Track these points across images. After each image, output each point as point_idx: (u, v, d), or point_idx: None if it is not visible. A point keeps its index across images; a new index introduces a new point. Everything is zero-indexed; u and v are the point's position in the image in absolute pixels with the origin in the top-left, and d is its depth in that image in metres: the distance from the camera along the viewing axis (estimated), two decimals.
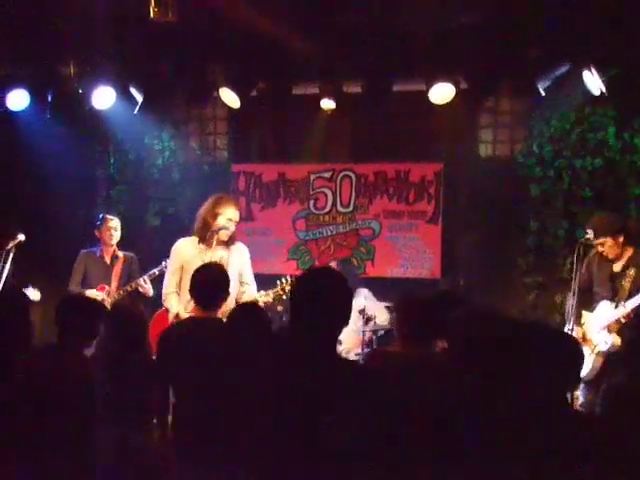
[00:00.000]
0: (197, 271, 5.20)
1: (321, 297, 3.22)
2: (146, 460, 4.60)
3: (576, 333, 6.49)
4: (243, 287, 6.67)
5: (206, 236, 6.60)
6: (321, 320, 3.18)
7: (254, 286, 6.77)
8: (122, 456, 4.56)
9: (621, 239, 6.50)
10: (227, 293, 5.23)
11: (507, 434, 2.80)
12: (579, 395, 6.37)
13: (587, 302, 6.67)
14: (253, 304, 5.64)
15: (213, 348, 4.61)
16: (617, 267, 6.56)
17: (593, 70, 7.13)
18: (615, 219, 6.81)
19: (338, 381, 3.11)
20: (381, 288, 8.44)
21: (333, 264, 8.27)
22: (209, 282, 5.05)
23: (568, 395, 3.17)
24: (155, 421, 4.94)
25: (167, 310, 6.72)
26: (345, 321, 3.28)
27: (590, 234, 6.53)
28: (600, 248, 6.54)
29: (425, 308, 4.39)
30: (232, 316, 4.74)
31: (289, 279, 6.64)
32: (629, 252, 6.53)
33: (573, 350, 3.13)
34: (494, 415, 2.83)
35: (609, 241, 6.48)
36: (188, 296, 6.42)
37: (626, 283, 6.39)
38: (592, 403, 5.85)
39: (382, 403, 3.15)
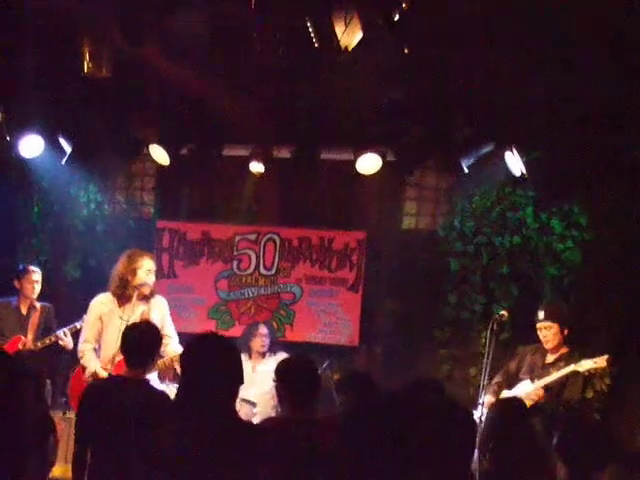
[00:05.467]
0: (129, 329, 5.15)
1: (206, 365, 3.30)
2: None
3: (488, 400, 6.60)
4: (165, 339, 6.62)
5: (125, 293, 6.57)
6: (209, 386, 3.26)
7: (176, 339, 6.76)
8: None
9: (565, 332, 6.64)
10: (156, 354, 5.20)
11: None
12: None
13: (512, 385, 6.78)
14: None
15: (132, 410, 4.57)
16: (549, 359, 6.68)
17: (515, 151, 7.38)
18: (568, 312, 7.00)
19: (233, 442, 3.17)
20: (299, 353, 8.44)
21: (263, 327, 8.27)
22: (140, 342, 4.98)
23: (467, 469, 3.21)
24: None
25: (83, 368, 6.63)
26: (235, 383, 3.36)
27: (541, 316, 6.65)
28: (544, 332, 6.64)
29: (303, 373, 4.49)
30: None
31: None
32: (565, 350, 6.65)
33: (465, 420, 3.20)
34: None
35: (555, 328, 6.61)
36: (109, 353, 6.41)
37: (553, 372, 6.51)
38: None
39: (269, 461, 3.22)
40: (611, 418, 7.60)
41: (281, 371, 4.62)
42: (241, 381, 3.40)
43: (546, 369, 6.61)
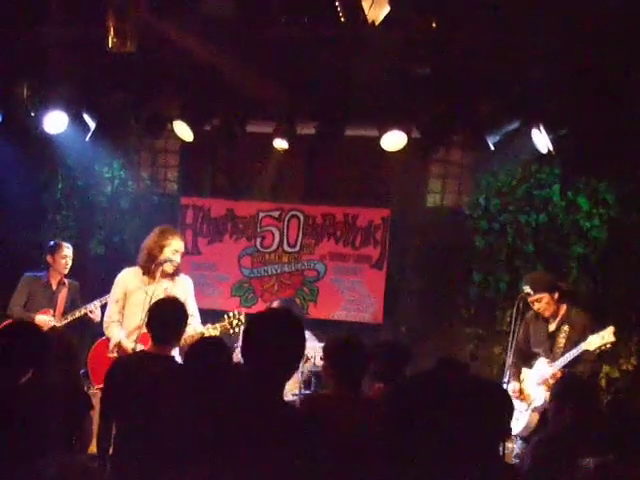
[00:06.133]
0: (156, 305, 5.18)
1: (275, 345, 3.19)
2: None
3: (513, 388, 6.58)
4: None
5: (151, 268, 6.59)
6: (272, 367, 3.17)
7: (198, 318, 6.77)
8: None
9: (556, 296, 6.60)
10: (183, 331, 5.20)
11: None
12: (515, 448, 6.43)
13: (528, 360, 6.76)
14: (215, 339, 5.58)
15: (160, 387, 4.56)
16: (552, 326, 6.65)
17: (542, 129, 7.29)
18: (550, 276, 6.95)
19: (278, 426, 3.11)
20: (323, 330, 8.43)
21: (276, 303, 8.25)
22: (167, 318, 5.00)
23: (500, 447, 3.18)
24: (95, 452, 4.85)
25: (108, 339, 6.69)
26: (296, 366, 3.29)
27: (529, 290, 6.61)
28: (537, 305, 6.61)
29: (352, 351, 4.45)
30: (193, 351, 4.67)
31: (236, 314, 6.73)
32: (563, 309, 6.63)
33: (502, 399, 3.17)
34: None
35: (546, 297, 6.56)
36: (131, 326, 6.46)
37: (561, 340, 6.50)
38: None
39: (315, 447, 3.16)
40: (638, 397, 7.55)
41: (330, 349, 4.57)
42: (297, 366, 3.31)
43: (553, 338, 6.60)
